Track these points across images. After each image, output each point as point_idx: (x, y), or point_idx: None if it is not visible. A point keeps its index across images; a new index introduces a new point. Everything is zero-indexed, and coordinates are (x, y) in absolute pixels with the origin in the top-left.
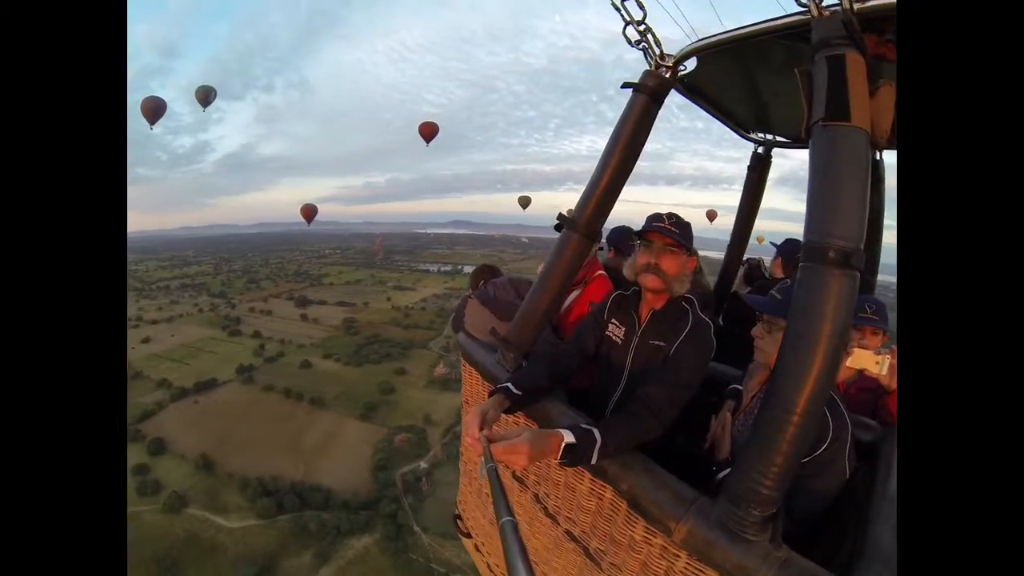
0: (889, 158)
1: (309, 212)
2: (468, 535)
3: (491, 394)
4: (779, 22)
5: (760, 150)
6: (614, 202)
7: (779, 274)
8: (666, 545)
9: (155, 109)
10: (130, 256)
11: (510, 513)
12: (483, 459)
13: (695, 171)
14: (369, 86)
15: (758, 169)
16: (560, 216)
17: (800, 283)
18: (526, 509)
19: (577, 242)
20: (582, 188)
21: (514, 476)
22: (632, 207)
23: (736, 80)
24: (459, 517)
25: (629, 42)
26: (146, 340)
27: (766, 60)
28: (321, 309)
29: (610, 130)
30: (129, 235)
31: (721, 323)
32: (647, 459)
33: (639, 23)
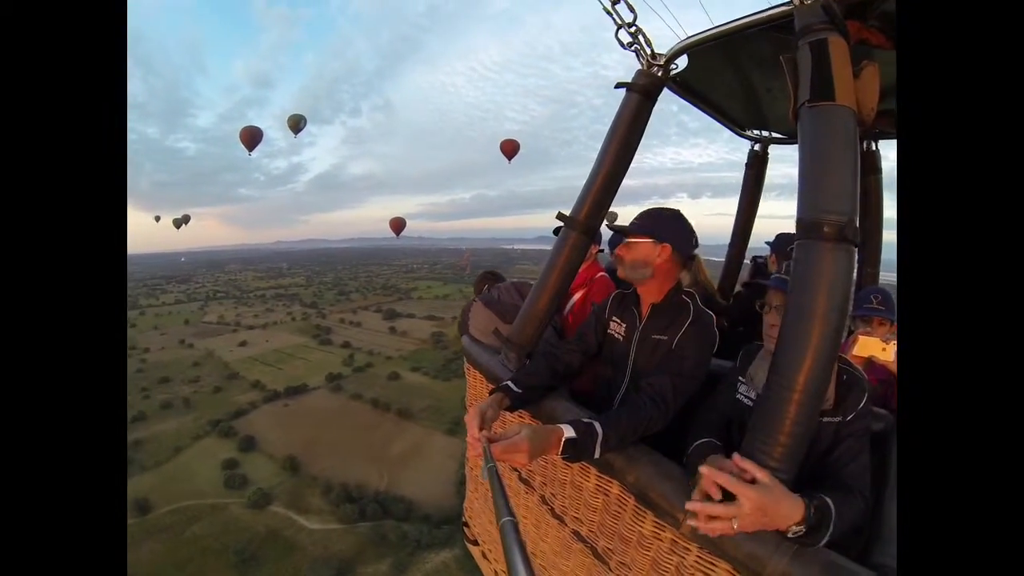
0: (887, 151)
1: (398, 224)
2: (475, 542)
3: (491, 393)
4: (764, 15)
5: (757, 147)
6: (611, 200)
7: (775, 270)
8: (675, 539)
9: (253, 137)
10: (232, 267)
11: (510, 513)
12: (483, 459)
13: (783, 179)
14: (451, 106)
15: (755, 167)
16: (559, 215)
17: (797, 260)
18: (533, 512)
19: (576, 239)
20: (668, 203)
21: (520, 478)
22: (717, 220)
23: (728, 77)
24: (466, 524)
25: (622, 44)
26: (243, 344)
27: (755, 56)
28: (409, 322)
29: (695, 140)
30: (230, 248)
31: (726, 323)
32: (653, 451)
33: (630, 25)
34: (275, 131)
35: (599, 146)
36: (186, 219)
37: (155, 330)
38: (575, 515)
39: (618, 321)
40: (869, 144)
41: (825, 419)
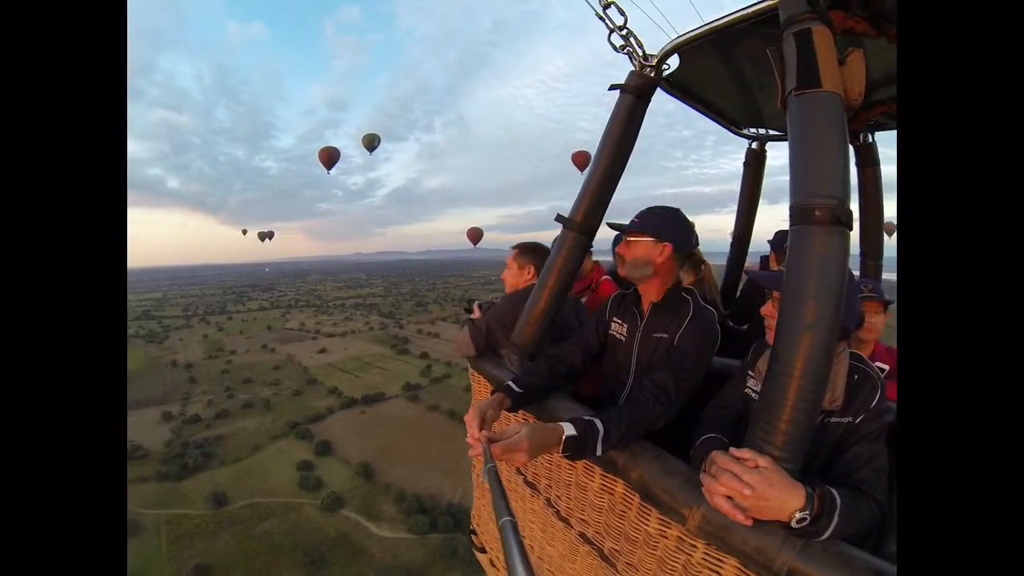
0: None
1: (475, 235)
2: (483, 550)
3: (492, 393)
4: (751, 10)
5: (754, 145)
6: (609, 200)
7: (776, 267)
8: (682, 536)
9: (331, 157)
10: (312, 277)
11: (510, 513)
12: (483, 459)
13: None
14: (523, 118)
15: (754, 165)
16: (558, 217)
17: (791, 246)
18: (539, 515)
19: (574, 240)
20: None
21: (526, 481)
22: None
23: (720, 75)
24: (474, 532)
25: (615, 48)
26: (322, 351)
27: (746, 53)
28: None
29: (770, 143)
30: (311, 259)
31: (731, 322)
32: (656, 447)
33: (621, 28)
34: (352, 149)
35: (676, 154)
36: (270, 235)
37: (241, 334)
38: (581, 516)
39: (619, 322)
40: (866, 136)
41: (833, 419)
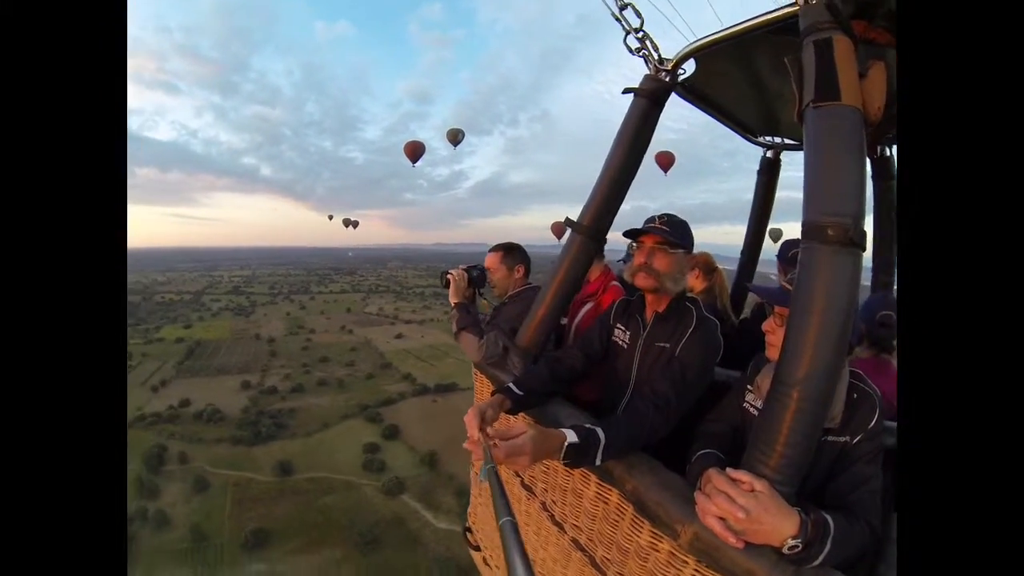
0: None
1: (560, 229)
2: (477, 548)
3: (492, 394)
4: (770, 16)
5: (769, 154)
6: (619, 205)
7: (783, 279)
8: (673, 551)
9: (416, 150)
10: (393, 264)
11: (510, 513)
12: (483, 460)
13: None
14: (609, 114)
15: (767, 173)
16: (567, 221)
17: (802, 264)
18: (534, 519)
19: (581, 244)
20: None
21: (522, 484)
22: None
23: (737, 82)
24: (469, 530)
25: (630, 50)
26: (399, 336)
27: (764, 60)
28: None
29: None
30: (390, 247)
31: (737, 328)
32: (652, 459)
33: (637, 31)
34: (436, 141)
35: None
36: (355, 223)
37: (321, 315)
38: (574, 523)
39: (622, 328)
40: (883, 149)
41: (830, 438)
